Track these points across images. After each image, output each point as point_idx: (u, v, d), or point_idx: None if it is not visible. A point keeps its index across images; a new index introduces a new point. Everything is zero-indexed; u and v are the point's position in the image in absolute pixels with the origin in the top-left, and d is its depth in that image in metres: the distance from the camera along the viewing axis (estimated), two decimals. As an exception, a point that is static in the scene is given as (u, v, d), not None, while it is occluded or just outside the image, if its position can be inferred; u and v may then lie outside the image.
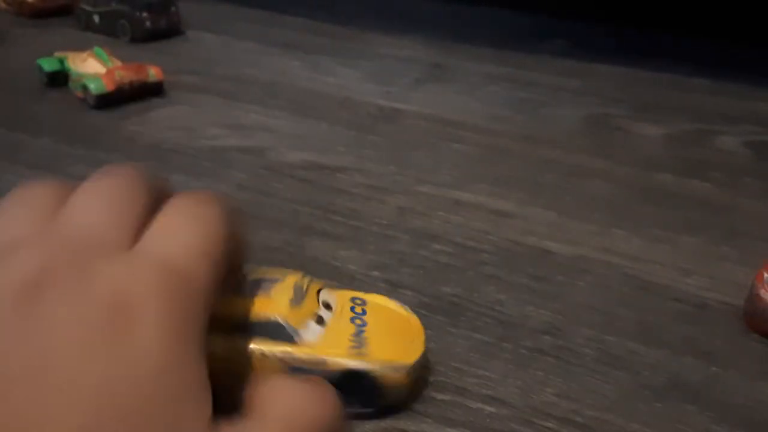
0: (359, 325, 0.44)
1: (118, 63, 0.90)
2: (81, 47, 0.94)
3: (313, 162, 0.77)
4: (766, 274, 0.55)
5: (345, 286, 0.50)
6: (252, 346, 0.41)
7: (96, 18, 1.15)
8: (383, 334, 0.44)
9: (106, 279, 0.25)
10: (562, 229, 0.67)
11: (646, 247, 0.65)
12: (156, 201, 0.30)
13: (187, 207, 0.31)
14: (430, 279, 0.58)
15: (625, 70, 1.06)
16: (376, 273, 0.58)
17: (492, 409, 0.46)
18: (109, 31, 1.14)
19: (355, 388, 0.42)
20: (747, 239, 0.66)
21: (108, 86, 0.86)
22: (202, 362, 0.26)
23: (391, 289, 0.56)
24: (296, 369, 0.41)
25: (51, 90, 0.92)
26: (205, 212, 0.31)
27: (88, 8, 1.16)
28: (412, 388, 0.45)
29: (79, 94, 0.88)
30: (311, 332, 0.42)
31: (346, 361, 0.42)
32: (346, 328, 0.44)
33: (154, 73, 0.91)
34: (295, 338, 0.41)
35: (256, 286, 0.42)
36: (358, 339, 0.43)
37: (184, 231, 0.29)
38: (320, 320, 0.43)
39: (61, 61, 0.92)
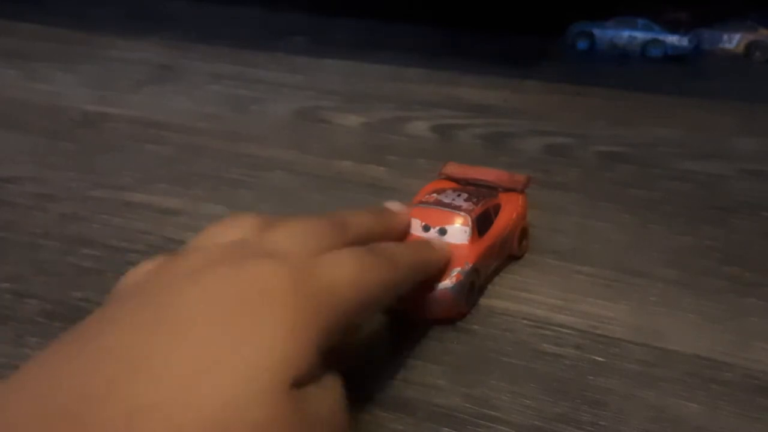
0: None
1: None
2: None
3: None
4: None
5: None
6: None
7: None
8: None
9: (251, 269, 0.29)
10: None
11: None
12: (353, 240, 0.36)
13: (367, 251, 0.35)
14: (63, 285, 0.57)
15: (351, 63, 1.13)
16: (6, 285, 0.57)
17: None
18: None
19: None
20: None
21: None
22: (316, 359, 0.29)
23: (15, 299, 0.55)
24: None
25: None
26: (378, 262, 0.35)
27: None
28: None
29: None
30: None
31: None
32: None
33: None
34: None
35: None
36: None
37: (346, 263, 0.33)
38: None
39: None
